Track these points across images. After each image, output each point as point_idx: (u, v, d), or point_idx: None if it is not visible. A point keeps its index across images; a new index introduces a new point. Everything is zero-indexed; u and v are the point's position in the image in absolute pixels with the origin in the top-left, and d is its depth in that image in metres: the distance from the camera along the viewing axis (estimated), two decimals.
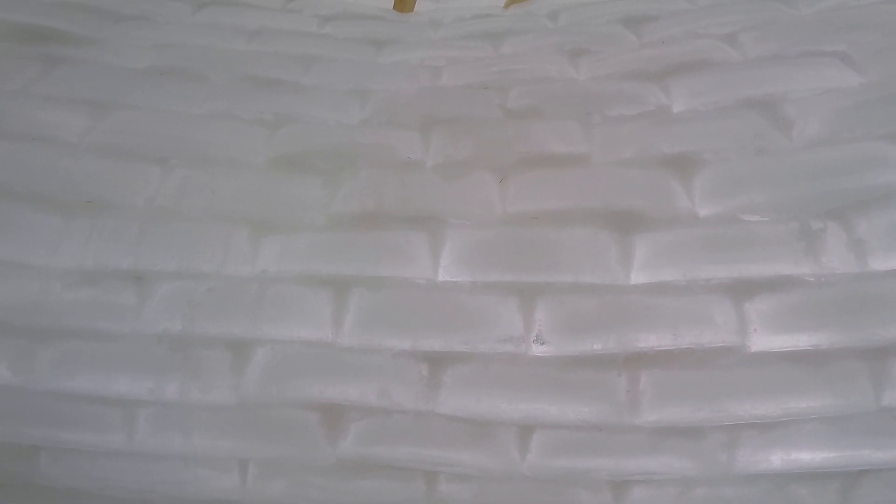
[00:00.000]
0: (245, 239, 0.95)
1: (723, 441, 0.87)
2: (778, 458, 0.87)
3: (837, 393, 0.84)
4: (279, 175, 1.02)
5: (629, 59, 1.20)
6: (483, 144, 1.03)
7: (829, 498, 0.91)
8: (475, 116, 1.10)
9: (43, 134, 1.01)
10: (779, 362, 0.85)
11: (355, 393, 0.88)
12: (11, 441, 0.91)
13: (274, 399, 0.89)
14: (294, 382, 0.89)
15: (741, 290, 0.88)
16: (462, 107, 1.12)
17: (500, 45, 1.34)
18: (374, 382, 0.88)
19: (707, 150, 0.99)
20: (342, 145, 1.06)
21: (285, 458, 0.94)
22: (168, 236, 0.94)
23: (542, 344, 0.87)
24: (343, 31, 1.44)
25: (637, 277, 0.90)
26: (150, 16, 1.39)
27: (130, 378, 0.89)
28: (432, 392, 0.88)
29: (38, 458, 0.94)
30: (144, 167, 1.01)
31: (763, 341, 0.86)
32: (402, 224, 0.95)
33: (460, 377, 0.88)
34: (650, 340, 0.86)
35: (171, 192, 0.98)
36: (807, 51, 1.10)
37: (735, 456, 0.87)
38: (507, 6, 1.52)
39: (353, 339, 0.89)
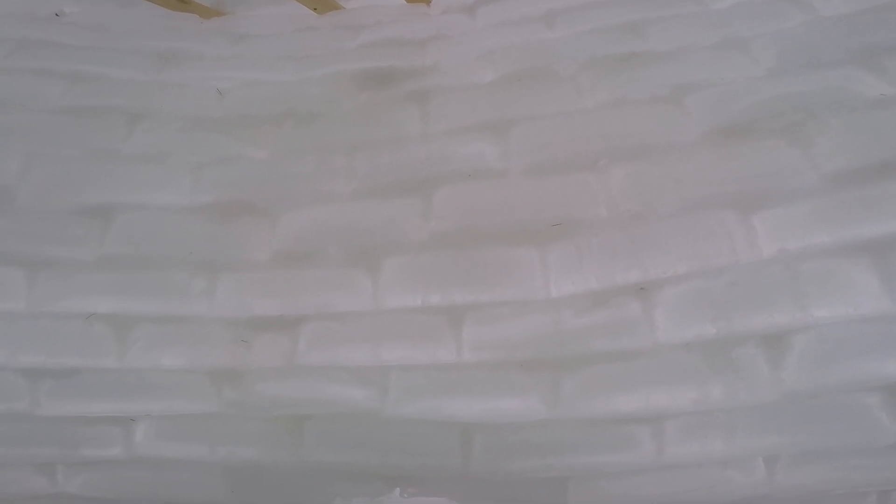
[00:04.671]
0: (736, 221, 0.86)
1: None
2: None
3: None
4: (725, 147, 0.92)
5: None
6: None
7: None
8: None
9: (475, 168, 0.99)
10: None
11: None
12: (544, 474, 0.89)
13: (828, 386, 0.81)
14: (853, 365, 0.80)
15: None
16: None
17: None
18: None
19: None
20: (771, 101, 0.94)
21: (831, 445, 0.85)
22: (658, 237, 0.87)
23: None
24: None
25: None
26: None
27: (669, 392, 0.84)
28: None
29: (567, 488, 0.92)
30: (578, 176, 0.95)
31: None
32: None
33: None
34: None
35: (625, 192, 0.92)
36: None
37: None
38: None
39: None
